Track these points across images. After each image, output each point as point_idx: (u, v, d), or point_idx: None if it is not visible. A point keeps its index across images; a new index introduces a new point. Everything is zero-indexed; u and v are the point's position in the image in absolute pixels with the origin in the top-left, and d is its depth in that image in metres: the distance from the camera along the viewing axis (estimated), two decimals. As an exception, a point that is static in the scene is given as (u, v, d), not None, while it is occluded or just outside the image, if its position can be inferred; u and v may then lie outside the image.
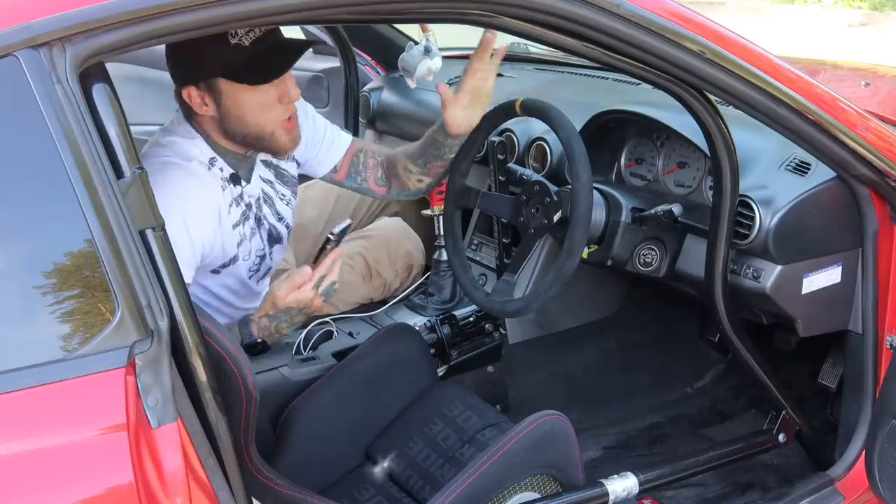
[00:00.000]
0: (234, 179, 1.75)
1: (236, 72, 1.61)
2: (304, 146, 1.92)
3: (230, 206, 1.74)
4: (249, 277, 1.87)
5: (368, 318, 2.27)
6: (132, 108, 1.28)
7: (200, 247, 1.66)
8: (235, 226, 1.76)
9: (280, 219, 1.92)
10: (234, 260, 1.79)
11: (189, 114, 1.72)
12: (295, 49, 1.67)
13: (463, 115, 1.82)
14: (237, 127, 1.68)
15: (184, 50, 1.61)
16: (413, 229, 2.46)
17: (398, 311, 2.30)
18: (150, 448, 1.06)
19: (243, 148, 1.74)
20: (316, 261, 1.73)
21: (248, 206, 1.80)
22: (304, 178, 2.07)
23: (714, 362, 2.62)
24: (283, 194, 1.92)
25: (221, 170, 1.73)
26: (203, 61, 1.62)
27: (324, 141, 1.97)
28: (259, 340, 1.75)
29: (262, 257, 1.88)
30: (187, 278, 1.63)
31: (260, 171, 1.84)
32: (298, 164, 1.97)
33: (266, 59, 1.62)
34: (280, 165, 1.91)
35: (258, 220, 1.84)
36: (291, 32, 1.90)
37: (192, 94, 1.65)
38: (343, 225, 1.75)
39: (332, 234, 1.73)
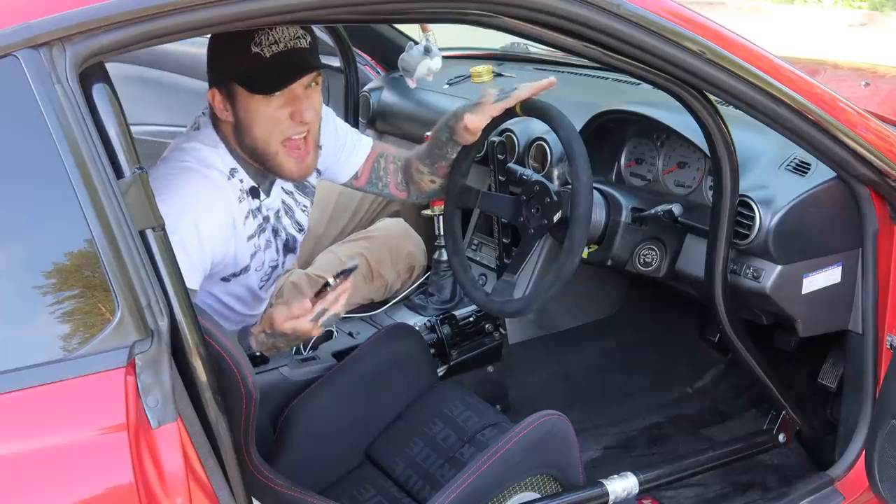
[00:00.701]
0: (254, 192, 1.74)
1: (247, 79, 1.60)
2: (325, 153, 1.89)
3: (246, 217, 1.72)
4: (260, 288, 1.86)
5: (368, 318, 2.27)
6: (132, 108, 1.28)
7: (211, 253, 1.65)
8: (250, 237, 1.74)
9: (300, 229, 1.91)
10: (245, 270, 1.77)
11: (216, 120, 1.71)
12: (305, 67, 1.62)
13: (482, 123, 1.81)
14: (247, 138, 1.66)
15: (212, 52, 1.62)
16: (413, 229, 2.46)
17: (398, 311, 2.30)
18: (150, 448, 1.06)
19: (257, 163, 1.72)
20: (318, 295, 1.66)
21: (266, 218, 1.78)
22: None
23: (714, 362, 2.62)
24: (304, 205, 1.91)
25: (241, 181, 1.71)
26: (223, 65, 1.61)
27: (345, 147, 1.96)
28: (257, 354, 1.74)
29: (275, 267, 1.87)
30: (195, 283, 1.62)
31: (281, 182, 1.83)
32: (319, 173, 1.95)
33: (277, 72, 1.59)
34: None
35: (275, 232, 1.82)
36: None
37: (215, 97, 1.65)
38: (349, 266, 1.68)
39: (333, 276, 1.66)
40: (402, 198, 2.06)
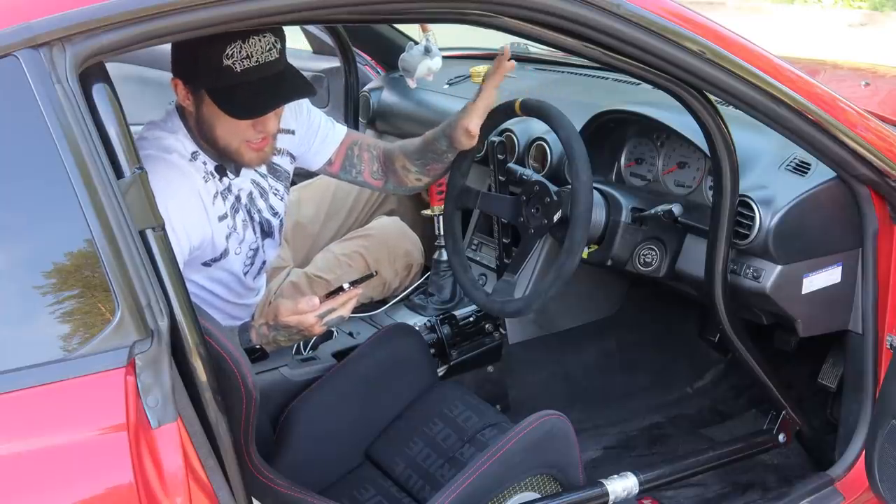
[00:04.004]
0: (220, 171, 1.75)
1: (217, 94, 1.60)
2: (298, 140, 1.93)
3: (214, 197, 1.73)
4: (245, 273, 1.87)
5: (368, 318, 2.27)
6: (132, 108, 1.28)
7: (187, 239, 1.66)
8: (222, 218, 1.75)
9: (275, 213, 1.91)
10: (224, 253, 1.78)
11: (181, 107, 1.72)
12: (281, 95, 1.64)
13: (478, 124, 1.82)
14: (207, 135, 1.69)
15: (183, 46, 1.61)
16: (412, 229, 2.46)
17: (398, 311, 2.30)
18: (150, 448, 1.06)
19: (216, 152, 1.74)
20: (329, 296, 1.70)
21: (237, 198, 1.80)
22: (301, 177, 2.07)
23: (714, 362, 2.62)
24: (276, 189, 1.92)
25: (205, 164, 1.73)
26: (193, 67, 1.61)
27: (318, 135, 1.97)
28: (258, 347, 1.75)
29: (256, 251, 1.88)
30: None
31: None
32: (293, 158, 1.97)
33: (249, 94, 1.59)
34: (273, 160, 1.90)
35: (249, 213, 1.84)
36: (291, 33, 1.89)
37: (179, 87, 1.66)
38: (367, 274, 1.76)
39: (349, 283, 1.70)
40: (376, 187, 2.08)
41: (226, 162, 1.76)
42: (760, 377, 1.97)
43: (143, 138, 1.71)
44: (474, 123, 1.81)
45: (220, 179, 1.75)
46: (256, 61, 1.58)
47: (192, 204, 1.68)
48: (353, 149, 2.02)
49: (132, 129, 1.16)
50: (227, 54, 1.56)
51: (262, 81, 1.60)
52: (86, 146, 1.06)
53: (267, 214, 1.89)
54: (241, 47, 1.56)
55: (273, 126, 1.68)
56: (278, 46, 1.62)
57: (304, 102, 1.94)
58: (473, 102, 1.82)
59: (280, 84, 1.63)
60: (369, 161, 2.03)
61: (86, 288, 1.08)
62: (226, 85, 1.59)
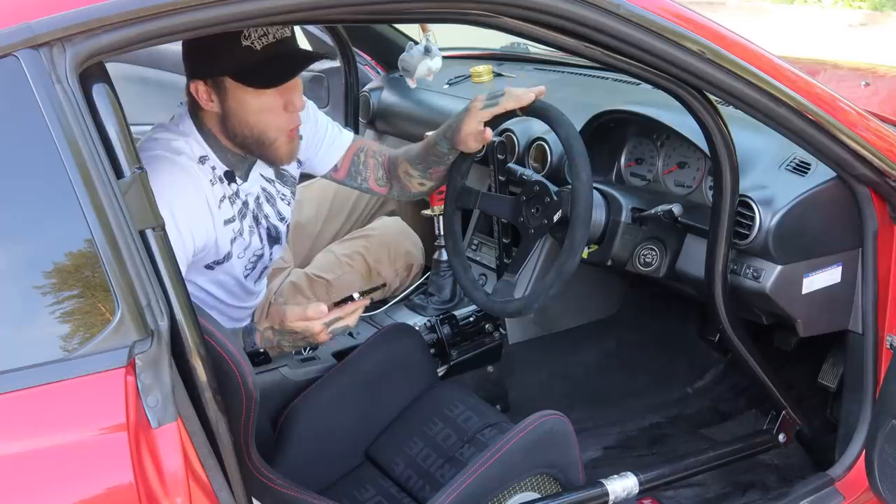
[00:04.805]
0: (229, 177, 1.75)
1: (243, 74, 1.63)
2: (305, 145, 1.92)
3: (221, 201, 1.73)
4: (245, 277, 1.87)
5: (368, 318, 2.27)
6: (132, 108, 1.28)
7: (191, 241, 1.66)
8: (228, 222, 1.75)
9: (282, 218, 1.92)
10: (227, 257, 1.78)
11: (194, 109, 1.73)
12: (303, 59, 1.70)
13: (479, 131, 1.81)
14: (239, 128, 1.69)
15: (197, 45, 1.63)
16: (412, 229, 2.46)
17: (398, 311, 2.30)
18: (150, 448, 1.07)
19: (243, 150, 1.75)
20: (338, 305, 1.72)
21: (245, 203, 1.80)
22: (302, 177, 2.07)
23: (714, 362, 2.62)
24: (283, 194, 1.92)
25: (213, 168, 1.73)
26: (213, 59, 1.63)
27: (325, 140, 1.97)
28: (261, 350, 1.75)
29: (260, 256, 1.87)
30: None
31: (261, 169, 1.84)
32: (300, 163, 1.97)
33: (274, 66, 1.63)
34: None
35: (256, 219, 1.84)
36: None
37: (200, 89, 1.67)
38: (375, 286, 1.82)
39: (359, 292, 1.74)
40: (381, 193, 2.08)
41: (238, 163, 1.77)
42: (760, 377, 1.97)
43: (153, 139, 1.72)
44: (484, 127, 1.81)
45: (229, 184, 1.75)
46: (274, 37, 1.63)
47: (198, 206, 1.68)
48: (359, 155, 2.02)
49: (132, 129, 1.16)
50: (245, 35, 1.60)
51: (283, 55, 1.65)
52: (86, 146, 1.06)
53: (274, 220, 1.89)
54: (256, 27, 1.60)
55: (300, 103, 1.70)
56: (289, 26, 1.67)
57: (311, 108, 1.95)
58: (477, 110, 1.80)
59: (301, 53, 1.70)
60: (374, 168, 2.03)
61: (86, 288, 1.08)
62: (251, 63, 1.62)
